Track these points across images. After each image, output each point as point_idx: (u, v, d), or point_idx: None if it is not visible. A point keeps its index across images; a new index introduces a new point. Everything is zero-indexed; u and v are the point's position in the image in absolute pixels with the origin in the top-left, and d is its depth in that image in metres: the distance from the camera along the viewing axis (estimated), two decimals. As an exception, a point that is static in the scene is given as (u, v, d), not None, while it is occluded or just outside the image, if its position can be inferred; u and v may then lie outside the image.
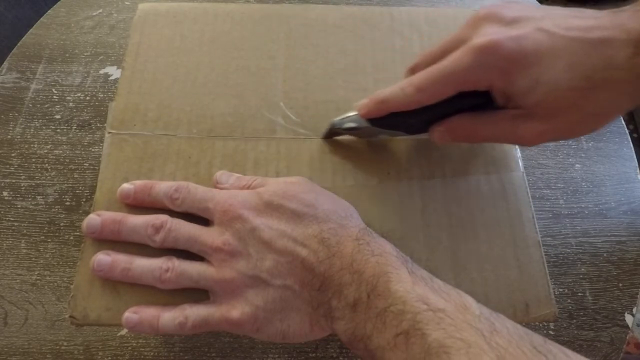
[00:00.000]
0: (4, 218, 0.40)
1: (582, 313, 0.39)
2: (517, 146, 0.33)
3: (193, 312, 0.26)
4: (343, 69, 0.35)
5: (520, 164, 0.32)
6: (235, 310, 0.25)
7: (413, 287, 0.22)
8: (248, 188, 0.29)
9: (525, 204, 0.31)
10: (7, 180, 0.42)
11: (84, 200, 0.41)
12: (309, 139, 0.32)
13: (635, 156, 0.47)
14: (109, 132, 0.31)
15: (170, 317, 0.25)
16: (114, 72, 0.48)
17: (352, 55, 0.36)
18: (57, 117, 0.45)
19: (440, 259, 0.29)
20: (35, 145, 0.44)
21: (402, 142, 0.32)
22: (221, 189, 0.29)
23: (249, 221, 0.26)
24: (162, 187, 0.28)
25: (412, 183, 0.31)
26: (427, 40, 0.37)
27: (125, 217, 0.27)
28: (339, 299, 0.24)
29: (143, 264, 0.26)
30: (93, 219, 0.27)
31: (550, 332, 0.38)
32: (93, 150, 0.44)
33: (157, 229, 0.27)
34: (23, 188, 0.42)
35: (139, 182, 0.29)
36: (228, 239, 0.26)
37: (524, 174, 0.32)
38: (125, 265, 0.26)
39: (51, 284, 0.38)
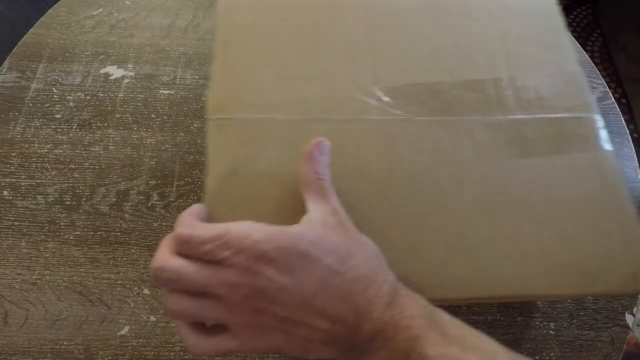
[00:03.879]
0: (4, 217, 0.40)
1: (582, 313, 0.39)
2: (603, 125, 0.34)
3: (222, 347, 0.24)
4: (427, 53, 0.36)
5: (609, 141, 0.33)
6: (260, 346, 0.24)
7: (446, 349, 0.22)
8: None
9: (619, 180, 0.32)
10: (8, 180, 0.42)
11: (84, 199, 0.41)
12: (404, 120, 0.33)
13: (635, 156, 0.47)
14: (210, 118, 0.32)
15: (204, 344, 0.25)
16: (114, 71, 0.48)
17: (434, 40, 0.36)
18: (58, 116, 0.45)
19: (548, 234, 0.30)
20: (36, 145, 0.44)
21: (494, 122, 0.33)
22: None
23: (275, 281, 0.23)
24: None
25: (511, 161, 0.32)
26: (503, 25, 0.38)
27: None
28: (369, 358, 0.24)
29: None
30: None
31: (551, 332, 0.38)
32: (93, 149, 0.44)
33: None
34: (23, 187, 0.42)
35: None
36: (249, 295, 0.23)
37: (613, 153, 0.33)
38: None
39: (51, 284, 0.38)
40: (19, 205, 0.41)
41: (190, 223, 0.24)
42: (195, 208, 0.27)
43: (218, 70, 0.34)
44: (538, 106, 0.34)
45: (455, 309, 0.38)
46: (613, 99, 0.50)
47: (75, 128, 0.45)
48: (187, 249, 0.23)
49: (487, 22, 0.38)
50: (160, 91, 0.47)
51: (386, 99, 0.34)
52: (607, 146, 0.33)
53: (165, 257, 0.24)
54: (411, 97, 0.34)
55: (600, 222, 0.30)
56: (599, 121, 0.34)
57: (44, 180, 0.42)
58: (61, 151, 0.44)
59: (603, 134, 0.33)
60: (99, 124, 0.45)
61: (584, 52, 0.53)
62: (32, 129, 0.45)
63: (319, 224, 0.25)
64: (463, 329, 0.24)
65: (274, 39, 0.35)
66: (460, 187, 0.31)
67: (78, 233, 0.40)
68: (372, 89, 0.34)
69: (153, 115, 0.46)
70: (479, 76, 0.35)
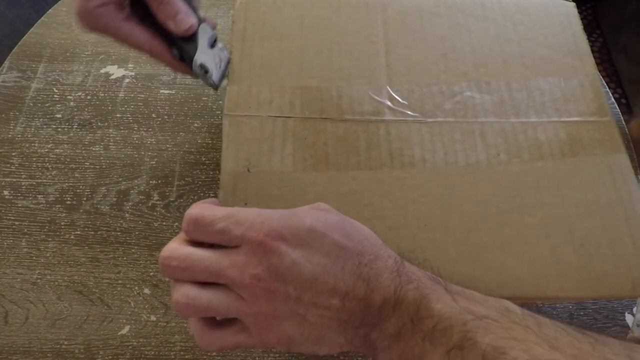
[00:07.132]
0: (5, 217, 0.40)
1: (582, 313, 0.39)
2: (618, 129, 0.33)
3: (229, 340, 0.25)
4: (443, 54, 0.36)
5: (623, 146, 0.33)
6: (270, 339, 0.24)
7: (453, 302, 0.23)
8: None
9: (633, 184, 0.32)
10: (8, 179, 0.42)
11: (84, 199, 0.41)
12: (418, 122, 0.33)
13: (635, 156, 0.47)
14: (227, 114, 0.32)
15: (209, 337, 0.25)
16: (114, 71, 0.48)
17: (449, 41, 0.37)
18: (58, 116, 0.45)
19: (558, 236, 0.30)
20: (36, 145, 0.44)
21: (508, 125, 0.33)
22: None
23: (287, 255, 0.23)
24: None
25: (523, 163, 0.32)
26: (521, 27, 0.38)
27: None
28: (379, 331, 0.24)
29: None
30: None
31: (551, 331, 0.38)
32: (94, 149, 0.44)
33: None
34: (24, 187, 0.42)
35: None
36: (262, 275, 0.23)
37: (627, 156, 0.32)
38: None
39: (52, 283, 0.38)
40: (20, 205, 0.41)
41: (202, 206, 0.25)
42: (209, 200, 0.27)
43: (235, 68, 0.34)
44: (552, 109, 0.34)
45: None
46: (613, 99, 0.50)
47: (76, 128, 0.45)
48: (197, 230, 0.23)
49: (503, 24, 0.38)
50: (161, 91, 0.47)
51: (400, 99, 0.34)
52: (622, 150, 0.33)
53: (174, 246, 0.24)
54: (425, 98, 0.34)
55: (611, 226, 0.30)
56: (614, 125, 0.34)
57: (44, 180, 0.42)
58: (62, 151, 0.44)
59: (617, 138, 0.33)
60: (99, 124, 0.45)
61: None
62: (33, 129, 0.45)
63: (307, 208, 0.26)
64: (465, 289, 0.24)
65: (290, 37, 0.36)
66: (471, 189, 0.31)
67: (78, 232, 0.40)
68: (387, 90, 0.34)
69: (153, 115, 0.46)
70: (493, 78, 0.35)
